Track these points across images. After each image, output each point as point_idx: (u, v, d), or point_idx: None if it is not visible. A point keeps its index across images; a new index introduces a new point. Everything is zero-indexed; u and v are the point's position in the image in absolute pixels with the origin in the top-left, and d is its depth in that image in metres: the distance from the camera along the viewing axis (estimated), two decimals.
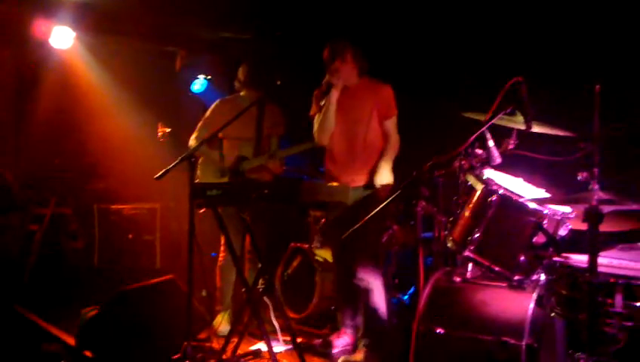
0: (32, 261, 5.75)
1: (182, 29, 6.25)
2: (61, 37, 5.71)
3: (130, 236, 5.46)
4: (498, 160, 2.73)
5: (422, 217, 4.25)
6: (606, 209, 2.13)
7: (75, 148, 6.13)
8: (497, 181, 2.65)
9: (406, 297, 4.54)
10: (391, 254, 4.49)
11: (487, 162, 2.77)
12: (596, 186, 2.17)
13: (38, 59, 6.01)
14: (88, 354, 3.76)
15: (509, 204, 2.58)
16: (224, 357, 3.69)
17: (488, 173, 2.74)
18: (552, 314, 2.38)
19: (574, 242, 2.62)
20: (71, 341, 4.11)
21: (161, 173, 3.71)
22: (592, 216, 2.10)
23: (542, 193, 2.83)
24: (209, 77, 6.40)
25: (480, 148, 2.77)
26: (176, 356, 3.53)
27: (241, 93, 4.54)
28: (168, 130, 5.47)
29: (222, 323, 4.34)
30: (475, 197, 2.71)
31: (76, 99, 6.07)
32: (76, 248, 5.97)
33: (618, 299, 2.16)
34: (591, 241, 2.09)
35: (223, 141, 4.52)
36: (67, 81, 6.06)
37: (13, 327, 4.69)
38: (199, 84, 6.36)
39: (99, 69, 6.10)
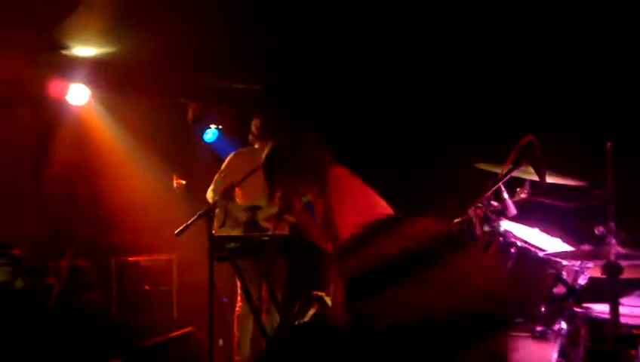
0: (49, 314, 5.80)
1: (194, 82, 6.42)
2: (77, 94, 5.88)
3: (147, 287, 5.51)
4: (514, 211, 2.79)
5: None
6: (624, 262, 2.18)
7: (91, 202, 6.23)
8: (515, 233, 2.71)
9: None
10: None
11: (502, 213, 2.82)
12: (613, 241, 2.23)
13: (55, 117, 6.16)
14: None
15: (527, 256, 2.63)
16: None
17: (505, 224, 2.80)
18: None
19: (594, 289, 2.66)
20: None
21: (180, 228, 3.81)
22: (612, 270, 2.14)
23: (558, 242, 2.88)
24: (220, 127, 6.52)
25: (495, 200, 2.83)
26: None
27: (256, 146, 4.65)
28: (184, 182, 5.58)
29: None
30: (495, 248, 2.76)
31: (92, 154, 6.20)
32: (92, 300, 6.00)
33: None
34: (612, 294, 2.14)
35: (236, 192, 4.60)
36: (83, 137, 6.20)
37: None
38: (211, 133, 6.47)
39: (113, 124, 6.24)
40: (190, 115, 6.89)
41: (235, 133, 6.41)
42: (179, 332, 4.03)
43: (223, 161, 5.80)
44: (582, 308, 2.49)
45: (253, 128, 4.67)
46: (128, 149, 6.17)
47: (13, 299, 4.59)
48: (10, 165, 6.19)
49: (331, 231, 2.85)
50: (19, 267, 2.96)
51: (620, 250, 2.18)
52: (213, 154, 6.22)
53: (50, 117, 6.20)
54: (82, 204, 6.24)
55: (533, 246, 2.65)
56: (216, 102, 6.84)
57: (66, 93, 5.83)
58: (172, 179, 5.84)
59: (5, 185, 6.02)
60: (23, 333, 4.89)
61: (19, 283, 3.50)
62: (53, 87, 5.77)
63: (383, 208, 2.92)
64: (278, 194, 3.11)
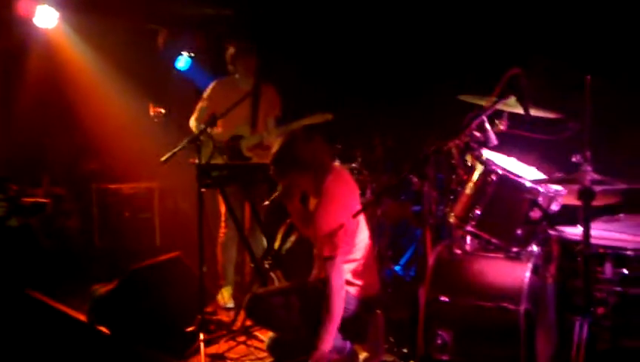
0: None
1: (163, 7, 6.27)
2: (45, 16, 5.68)
3: (127, 214, 5.59)
4: (494, 142, 2.97)
5: (415, 193, 4.55)
6: (597, 188, 2.39)
7: (64, 128, 6.15)
8: (496, 161, 2.90)
9: (398, 268, 4.80)
10: (384, 227, 4.73)
11: (484, 144, 2.99)
12: (588, 168, 2.43)
13: (22, 40, 5.96)
14: (104, 330, 3.95)
15: (507, 183, 2.83)
16: (234, 328, 3.93)
17: (486, 153, 2.98)
18: (550, 281, 2.66)
19: (564, 215, 2.89)
20: (81, 317, 4.28)
21: (167, 156, 3.86)
22: (586, 195, 2.35)
23: (534, 171, 3.09)
24: (192, 54, 6.44)
25: (477, 130, 2.98)
26: (189, 328, 3.76)
27: (236, 75, 4.65)
28: (163, 110, 5.58)
29: (225, 298, 4.55)
30: (476, 177, 2.95)
31: (62, 79, 6.07)
32: (71, 227, 6.07)
33: (608, 267, 2.44)
34: (585, 218, 2.36)
35: (219, 121, 4.63)
36: (52, 61, 6.05)
37: (25, 310, 4.80)
38: (183, 61, 6.39)
39: (84, 48, 6.08)
40: (161, 41, 6.76)
41: (207, 60, 6.36)
42: (167, 257, 4.16)
43: (197, 88, 5.79)
44: (555, 230, 2.72)
45: (228, 57, 4.64)
46: (101, 75, 6.06)
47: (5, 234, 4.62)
48: None
49: (317, 230, 3.26)
50: (14, 204, 3.02)
51: (595, 176, 2.39)
52: (187, 83, 6.18)
53: (17, 39, 6.00)
54: (56, 131, 6.17)
55: (512, 173, 2.84)
56: (186, 28, 6.72)
57: (34, 15, 5.63)
58: (148, 107, 5.84)
59: None
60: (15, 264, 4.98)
61: (13, 222, 3.58)
62: (20, 7, 5.56)
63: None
64: (284, 182, 3.40)
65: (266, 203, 3.59)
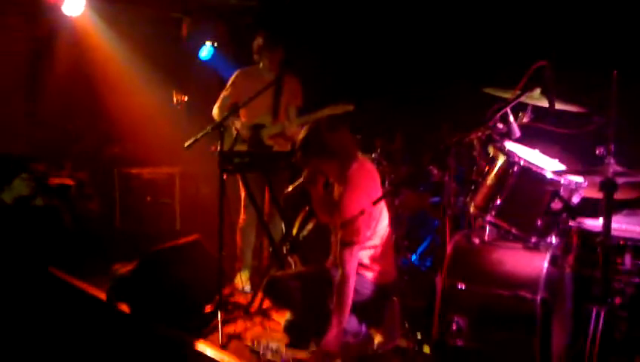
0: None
1: None
2: (73, 4, 5.79)
3: (148, 199, 5.69)
4: (517, 134, 3.00)
5: (434, 184, 4.59)
6: (620, 180, 2.42)
7: (89, 113, 6.27)
8: (518, 153, 2.93)
9: (414, 258, 4.85)
10: (402, 218, 4.78)
11: (507, 135, 3.03)
12: (612, 160, 2.46)
13: (50, 27, 6.08)
14: (125, 308, 4.04)
15: (529, 174, 2.86)
16: (251, 309, 4.01)
17: (509, 145, 3.02)
18: (568, 271, 2.69)
19: (586, 207, 2.92)
20: (101, 296, 4.38)
21: (190, 141, 3.94)
22: (608, 186, 2.39)
23: (556, 164, 3.12)
24: (215, 44, 6.51)
25: (500, 122, 3.02)
26: (208, 308, 3.84)
27: (260, 65, 4.71)
28: (185, 97, 5.66)
29: (243, 281, 4.62)
30: (497, 168, 2.99)
31: (88, 66, 6.18)
32: (92, 210, 6.18)
33: (627, 259, 2.48)
34: (607, 208, 2.39)
35: (241, 110, 4.70)
36: (79, 48, 6.16)
37: (46, 288, 4.92)
38: (206, 50, 6.47)
39: (110, 36, 6.20)
40: (184, 30, 6.85)
41: (229, 51, 6.43)
42: (187, 239, 4.24)
43: (220, 77, 5.86)
44: (575, 221, 2.75)
45: (255, 47, 4.70)
46: (126, 62, 6.17)
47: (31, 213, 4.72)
48: (4, 77, 6.15)
49: (339, 216, 3.29)
50: (40, 184, 3.13)
51: (618, 168, 2.42)
52: (210, 71, 6.26)
53: (45, 27, 6.12)
54: (80, 116, 6.29)
55: (534, 165, 2.88)
56: (210, 17, 6.81)
57: (62, 3, 5.74)
58: (171, 95, 5.93)
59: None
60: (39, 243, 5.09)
61: (38, 201, 3.69)
62: None
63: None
64: (309, 168, 3.51)
65: (290, 189, 3.67)
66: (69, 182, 5.56)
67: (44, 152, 6.29)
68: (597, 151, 2.48)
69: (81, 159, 6.14)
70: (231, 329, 3.71)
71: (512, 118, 2.99)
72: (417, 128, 4.91)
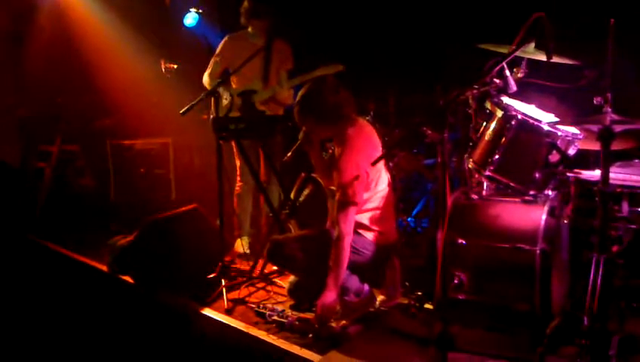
0: (43, 197, 5.95)
1: None
2: None
3: (142, 170, 5.67)
4: (514, 88, 3.02)
5: (428, 145, 4.61)
6: (617, 128, 2.45)
7: (78, 85, 6.18)
8: (515, 107, 2.95)
9: (410, 219, 4.91)
10: (396, 180, 4.81)
11: (503, 90, 3.05)
12: (609, 109, 2.48)
13: None
14: (128, 279, 4.06)
15: (527, 127, 2.89)
16: (254, 274, 4.05)
17: (506, 100, 3.04)
18: (566, 221, 2.74)
19: (582, 158, 2.97)
20: (102, 268, 4.40)
21: (185, 108, 3.91)
22: (606, 135, 2.42)
23: (552, 117, 3.15)
24: (200, 11, 6.40)
25: (497, 77, 3.03)
26: (210, 276, 3.88)
27: (249, 30, 4.65)
28: (175, 65, 5.59)
29: (243, 247, 4.66)
30: (495, 122, 3.01)
31: (74, 38, 6.08)
32: (84, 184, 6.16)
33: (624, 206, 2.53)
34: (604, 157, 2.43)
35: (232, 76, 4.66)
36: (64, 19, 6.05)
37: (30, 256, 4.92)
38: (191, 17, 6.35)
39: (94, 5, 6.08)
40: None
41: (214, 17, 6.34)
42: (185, 208, 4.25)
43: (206, 45, 5.79)
44: (573, 172, 2.80)
45: (242, 10, 4.63)
46: (112, 32, 6.07)
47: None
48: None
49: (338, 177, 3.28)
50: None
51: (615, 117, 2.45)
52: (197, 38, 6.17)
53: (28, 0, 5.99)
54: (69, 89, 6.20)
55: (531, 118, 2.91)
56: None
57: None
58: (159, 64, 5.85)
59: None
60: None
61: None
62: None
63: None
64: (303, 129, 3.49)
65: (289, 154, 3.67)
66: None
67: (34, 126, 6.23)
68: (594, 101, 2.50)
69: (72, 132, 6.09)
70: (235, 294, 3.75)
71: (507, 73, 3.00)
72: (410, 90, 4.91)
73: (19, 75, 6.25)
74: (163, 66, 5.66)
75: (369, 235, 3.46)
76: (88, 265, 4.59)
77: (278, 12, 4.61)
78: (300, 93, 3.40)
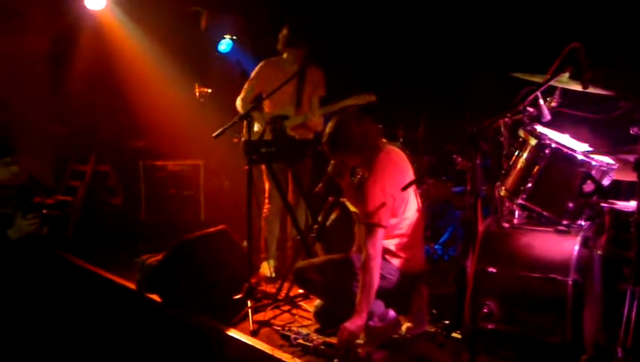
0: (76, 215, 6.07)
1: None
2: None
3: (173, 191, 5.77)
4: (548, 117, 3.02)
5: (457, 173, 4.61)
6: None
7: (113, 107, 6.35)
8: (550, 136, 2.94)
9: (437, 246, 4.88)
10: (424, 207, 4.79)
11: (537, 119, 3.05)
12: None
13: (73, 21, 6.16)
14: (156, 298, 4.10)
15: (561, 156, 2.88)
16: (279, 297, 4.05)
17: (540, 128, 3.03)
18: (599, 252, 2.70)
19: (616, 190, 2.93)
20: (131, 286, 4.45)
21: (218, 131, 3.98)
22: None
23: (586, 147, 3.13)
24: (234, 37, 6.55)
25: (530, 106, 3.04)
26: (237, 296, 3.89)
27: (284, 56, 4.74)
28: (209, 90, 5.71)
29: (268, 270, 4.67)
30: (528, 151, 3.00)
31: (111, 60, 6.25)
32: (115, 204, 6.27)
33: None
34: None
35: (265, 101, 4.73)
36: (101, 42, 6.23)
37: (61, 274, 4.98)
38: (225, 44, 6.51)
39: (132, 29, 6.26)
40: (203, 23, 6.90)
41: (248, 44, 6.48)
42: (214, 229, 4.29)
43: (239, 70, 5.89)
44: (607, 203, 2.76)
45: (280, 37, 4.73)
46: (148, 56, 6.23)
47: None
48: (28, 73, 6.24)
49: (364, 202, 3.32)
50: (42, 216, 3.22)
51: None
52: (231, 64, 6.30)
53: (67, 22, 6.20)
54: (104, 110, 6.37)
55: (565, 147, 2.89)
56: (228, 10, 6.85)
57: None
58: (193, 88, 5.99)
59: (24, 94, 6.09)
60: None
61: (44, 231, 3.77)
62: None
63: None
64: (334, 162, 3.56)
65: (320, 185, 3.72)
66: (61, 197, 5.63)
67: (69, 146, 6.38)
68: (631, 131, 2.48)
69: (105, 152, 6.23)
70: (260, 316, 3.75)
71: (541, 101, 3.00)
72: (439, 118, 4.93)
73: (55, 95, 6.43)
74: (197, 91, 5.80)
75: (395, 261, 3.45)
76: (117, 283, 4.64)
77: (314, 41, 4.70)
78: (327, 131, 3.45)
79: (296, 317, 3.82)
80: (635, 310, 2.45)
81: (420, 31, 5.20)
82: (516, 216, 3.20)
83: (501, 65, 3.76)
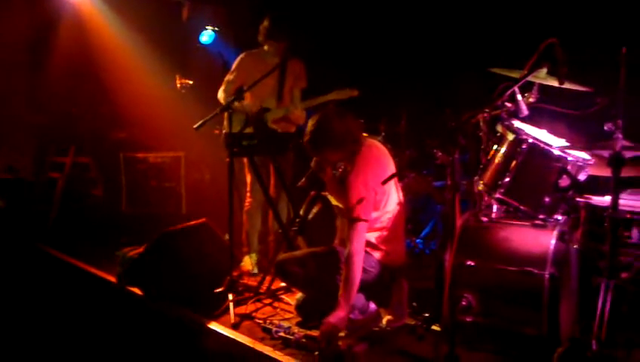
0: (55, 207, 6.01)
1: None
2: None
3: (153, 183, 5.74)
4: (525, 112, 3.05)
5: (437, 167, 4.63)
6: (628, 154, 2.47)
7: (93, 98, 6.29)
8: (526, 130, 2.98)
9: (419, 240, 4.92)
10: (405, 201, 4.82)
11: (515, 114, 3.08)
12: (620, 135, 2.50)
13: (53, 10, 6.08)
14: (137, 291, 4.08)
15: (538, 151, 2.91)
16: (261, 290, 4.06)
17: (517, 123, 3.06)
18: (575, 246, 2.75)
19: (591, 184, 2.98)
20: (111, 279, 4.43)
21: (199, 123, 3.94)
22: (616, 161, 2.44)
23: (563, 143, 3.17)
24: (216, 29, 6.51)
25: (508, 101, 3.07)
26: (218, 290, 3.89)
27: (265, 47, 4.71)
28: (190, 82, 5.68)
29: (250, 264, 4.67)
30: (506, 145, 3.03)
31: (90, 50, 6.19)
32: (96, 195, 6.22)
33: (634, 233, 2.53)
34: (615, 182, 2.44)
35: (247, 93, 4.70)
36: (82, 32, 6.16)
37: (39, 265, 4.95)
38: (207, 35, 6.47)
39: (113, 19, 6.19)
40: (185, 13, 6.85)
41: (229, 35, 6.44)
42: (195, 222, 4.28)
43: (221, 62, 5.87)
44: (583, 197, 2.81)
45: (261, 29, 4.70)
46: (129, 46, 6.17)
47: None
48: (6, 63, 6.15)
49: (346, 196, 3.35)
50: None
51: (626, 143, 2.46)
52: (212, 55, 6.27)
53: (47, 11, 6.11)
54: (84, 101, 6.30)
55: (542, 142, 2.93)
56: (209, 2, 6.81)
57: None
58: (175, 79, 5.95)
59: (2, 83, 6.01)
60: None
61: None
62: None
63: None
64: (316, 158, 3.59)
65: (303, 180, 3.72)
66: None
67: (48, 137, 6.31)
68: (605, 127, 2.52)
69: (85, 143, 6.18)
70: (242, 309, 3.76)
71: (519, 97, 3.03)
72: (421, 112, 4.95)
73: (34, 85, 6.35)
74: (178, 82, 5.76)
75: (376, 254, 3.47)
76: (97, 275, 4.62)
77: (295, 34, 4.67)
78: (308, 129, 3.46)
79: (278, 310, 3.83)
80: (609, 303, 2.49)
81: (402, 26, 5.22)
82: (494, 210, 3.24)
83: (480, 60, 3.79)
